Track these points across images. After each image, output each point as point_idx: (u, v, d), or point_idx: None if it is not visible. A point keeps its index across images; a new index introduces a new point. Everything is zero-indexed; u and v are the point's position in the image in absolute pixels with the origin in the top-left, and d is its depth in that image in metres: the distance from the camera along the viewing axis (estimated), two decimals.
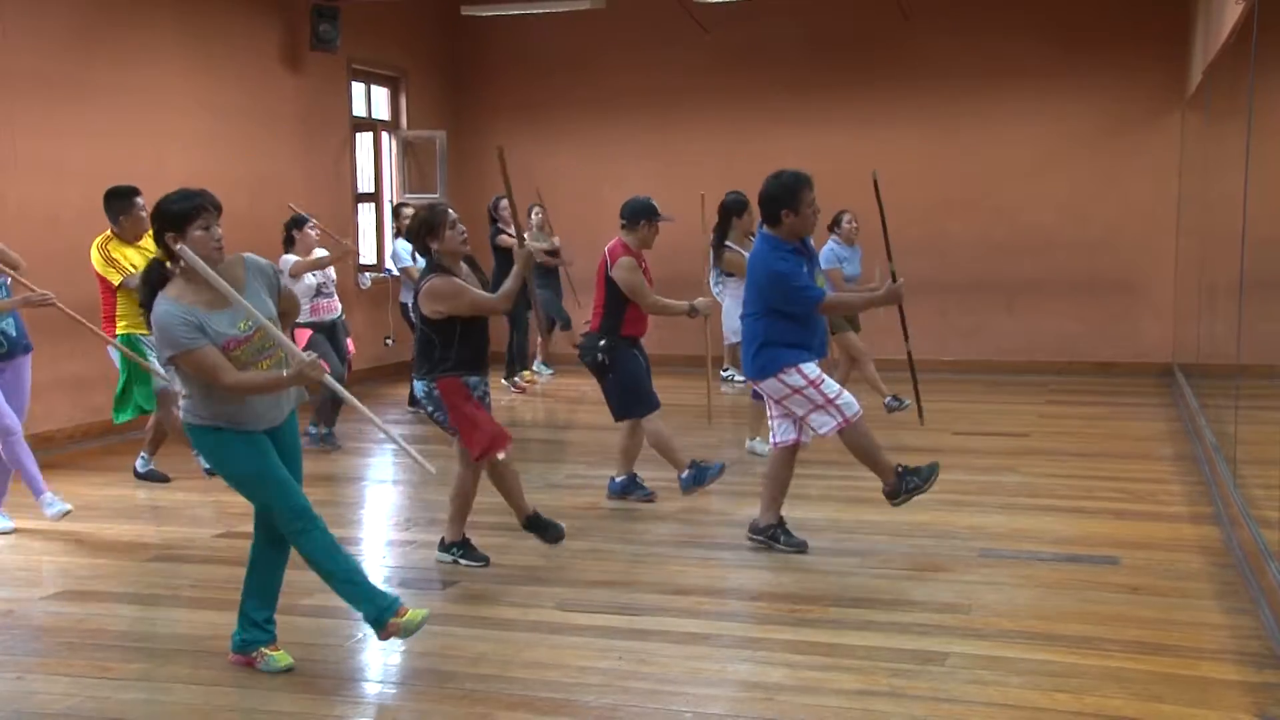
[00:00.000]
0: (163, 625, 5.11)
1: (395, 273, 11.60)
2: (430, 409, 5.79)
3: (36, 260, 7.69)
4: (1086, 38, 12.57)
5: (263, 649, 4.54)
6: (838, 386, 5.97)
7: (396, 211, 11.09)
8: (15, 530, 6.62)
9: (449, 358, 5.66)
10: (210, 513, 7.12)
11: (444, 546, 5.99)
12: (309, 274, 8.70)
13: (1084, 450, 8.61)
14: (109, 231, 7.58)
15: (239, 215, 7.90)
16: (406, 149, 13.84)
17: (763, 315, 5.95)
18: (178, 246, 4.18)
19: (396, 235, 10.76)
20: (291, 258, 8.69)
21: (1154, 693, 4.27)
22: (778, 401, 6.02)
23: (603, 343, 6.95)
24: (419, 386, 5.76)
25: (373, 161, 13.49)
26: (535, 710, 4.17)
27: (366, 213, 13.46)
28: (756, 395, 8.31)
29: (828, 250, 9.50)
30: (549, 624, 5.07)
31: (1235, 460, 6.78)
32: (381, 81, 13.62)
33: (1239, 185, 6.72)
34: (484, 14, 13.37)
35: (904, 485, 6.01)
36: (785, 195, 5.91)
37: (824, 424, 5.92)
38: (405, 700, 4.36)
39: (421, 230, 5.64)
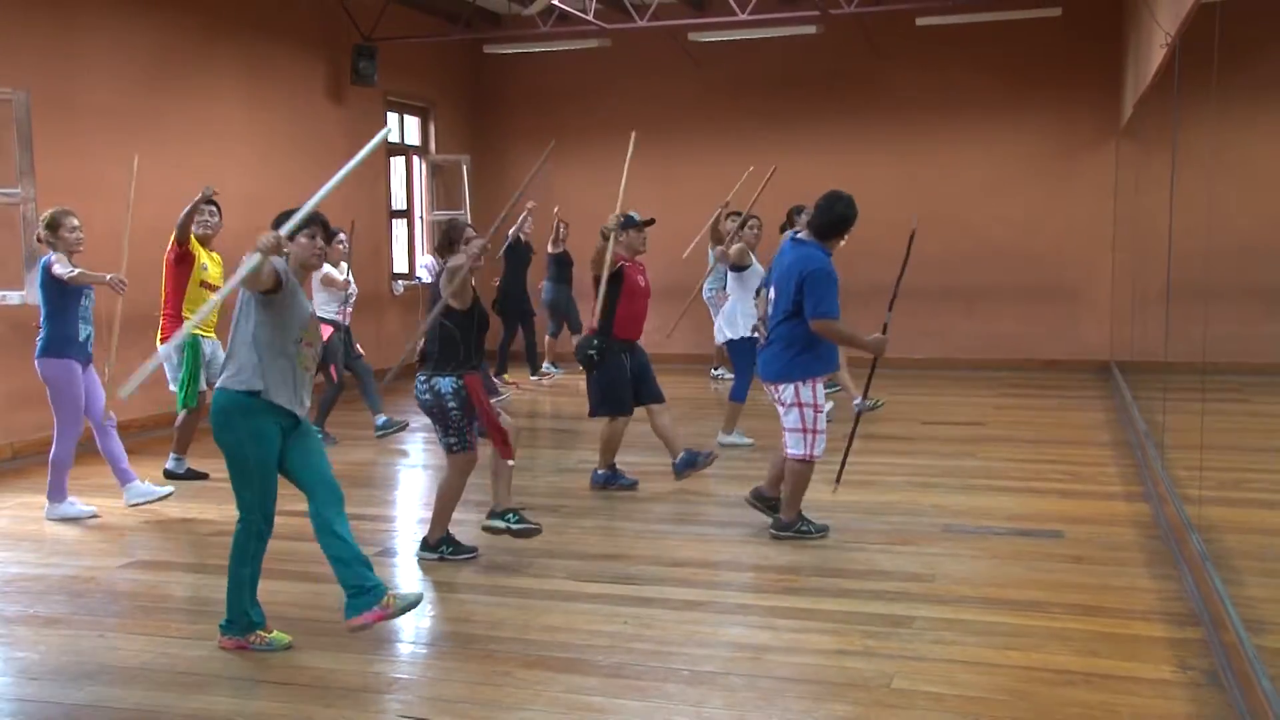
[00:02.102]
0: (219, 592, 5.04)
1: (429, 280, 11.56)
2: (452, 405, 5.40)
3: (116, 270, 7.69)
4: (1033, 75, 12.63)
5: (259, 631, 4.45)
6: (825, 422, 5.82)
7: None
8: (96, 514, 6.60)
9: (471, 352, 5.46)
10: None
11: (427, 546, 5.63)
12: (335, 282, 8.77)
13: (1034, 437, 8.64)
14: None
15: None
16: (435, 171, 13.84)
17: (805, 320, 5.62)
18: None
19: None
20: (325, 268, 8.71)
21: (1092, 649, 4.29)
22: (785, 405, 5.76)
23: (595, 342, 6.90)
24: (445, 382, 5.40)
25: (405, 183, 13.49)
26: (550, 668, 4.19)
27: (399, 227, 13.47)
28: (738, 396, 8.30)
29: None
30: (562, 592, 5.08)
31: (1163, 445, 6.80)
32: (413, 111, 13.63)
33: (1165, 204, 6.74)
34: (504, 51, 13.42)
35: (797, 527, 5.86)
36: (851, 220, 5.85)
37: (796, 447, 5.73)
38: (434, 659, 4.37)
39: (443, 242, 5.58)
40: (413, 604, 4.45)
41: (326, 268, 8.69)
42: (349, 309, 8.96)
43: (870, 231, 12.62)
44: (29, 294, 7.38)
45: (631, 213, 7.15)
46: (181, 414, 7.58)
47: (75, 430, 6.51)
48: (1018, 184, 12.72)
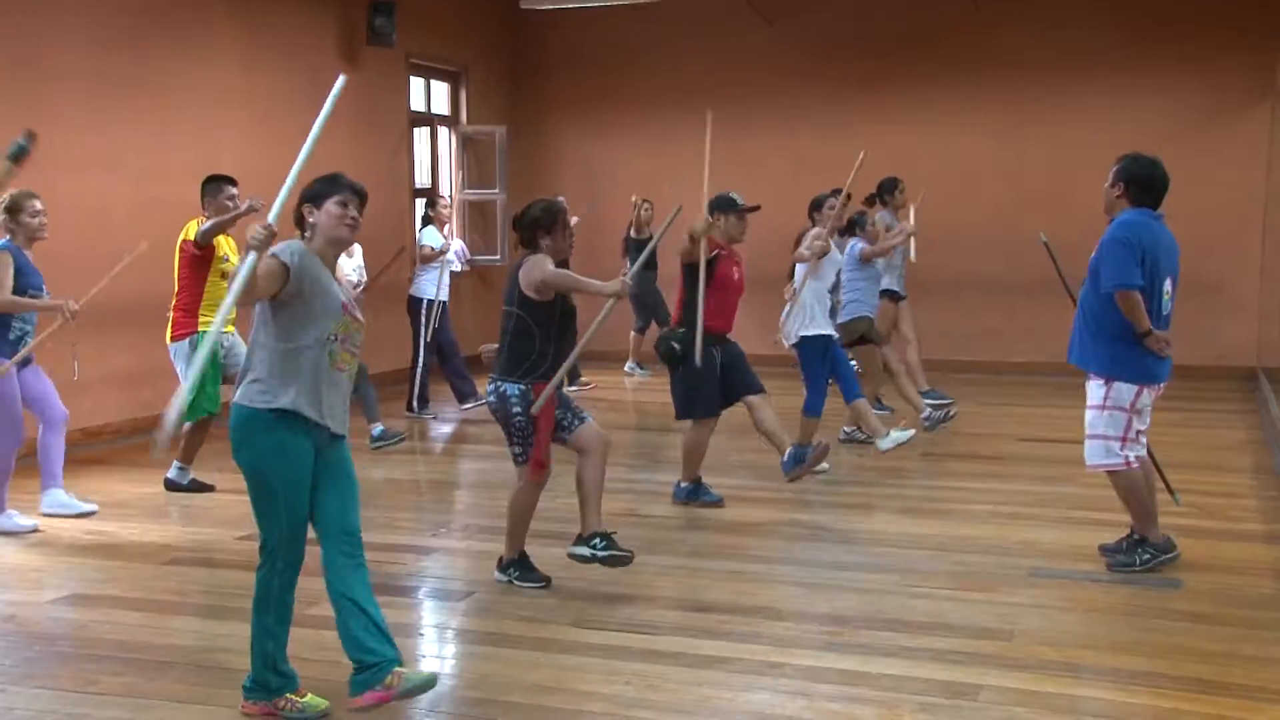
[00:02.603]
0: (162, 635, 4.90)
1: (458, 269, 11.48)
2: (517, 411, 5.28)
3: (88, 256, 7.58)
4: (1167, 27, 12.05)
5: (290, 695, 4.12)
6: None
7: (431, 202, 10.86)
8: (37, 529, 6.52)
9: (549, 354, 5.29)
10: (241, 514, 6.91)
11: (500, 566, 5.61)
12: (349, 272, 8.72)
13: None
14: (203, 216, 7.44)
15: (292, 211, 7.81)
16: (466, 144, 13.66)
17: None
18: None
19: (426, 224, 10.61)
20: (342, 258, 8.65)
21: None
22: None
23: (683, 332, 6.66)
24: (512, 387, 5.28)
25: (430, 156, 13.31)
26: None
27: (423, 208, 13.25)
28: (814, 410, 7.93)
29: (854, 245, 8.94)
30: (559, 642, 4.78)
31: None
32: (441, 76, 13.45)
33: None
34: (544, 8, 13.14)
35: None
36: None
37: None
38: None
39: (540, 221, 5.37)
40: (422, 686, 4.05)
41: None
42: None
43: (968, 216, 12.35)
44: None
45: (732, 193, 6.88)
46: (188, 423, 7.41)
47: (14, 436, 6.46)
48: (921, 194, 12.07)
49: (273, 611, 4.04)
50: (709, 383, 6.79)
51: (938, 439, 8.93)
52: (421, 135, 13.17)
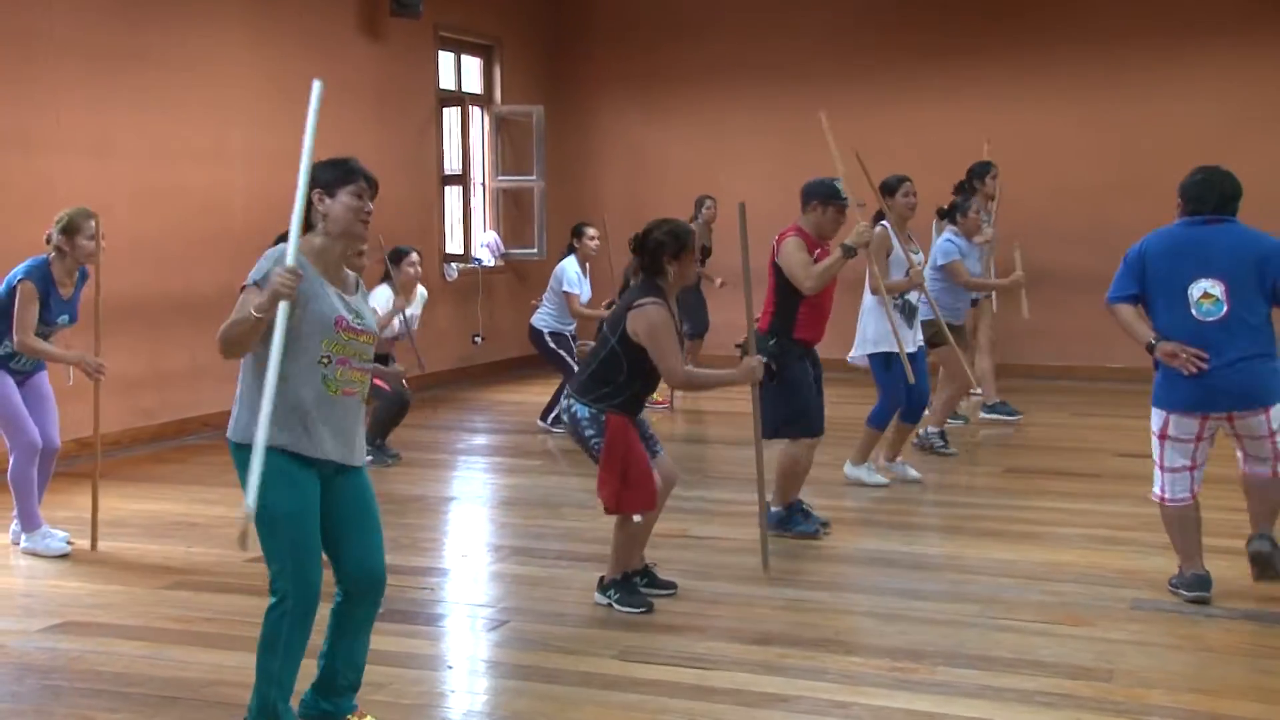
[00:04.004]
0: (164, 666, 4.90)
1: (491, 263, 11.44)
2: (590, 432, 5.45)
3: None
4: None
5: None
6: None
7: (577, 231, 10.45)
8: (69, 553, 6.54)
9: (631, 388, 5.45)
10: (248, 534, 6.94)
11: (601, 586, 5.67)
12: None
13: None
14: None
15: None
16: (500, 126, 13.70)
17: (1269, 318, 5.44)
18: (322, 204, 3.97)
19: (570, 253, 10.29)
20: (386, 291, 8.60)
21: None
22: (1275, 434, 5.47)
23: (773, 344, 6.48)
24: (582, 409, 5.45)
25: (461, 139, 13.34)
26: None
27: (453, 197, 13.31)
28: (910, 417, 7.87)
29: (945, 243, 8.89)
30: (603, 677, 4.75)
31: None
32: (473, 51, 13.51)
33: None
34: None
35: None
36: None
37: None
38: None
39: (669, 245, 5.42)
40: None
41: (388, 292, 8.58)
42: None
43: (1052, 204, 12.19)
44: None
45: (835, 180, 6.63)
46: None
47: (28, 445, 6.45)
48: (1261, 138, 11.87)
49: (280, 655, 3.95)
50: (808, 398, 6.59)
51: (1024, 452, 8.85)
52: (451, 116, 13.22)
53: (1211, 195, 5.55)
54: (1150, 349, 5.47)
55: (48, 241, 6.39)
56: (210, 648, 5.11)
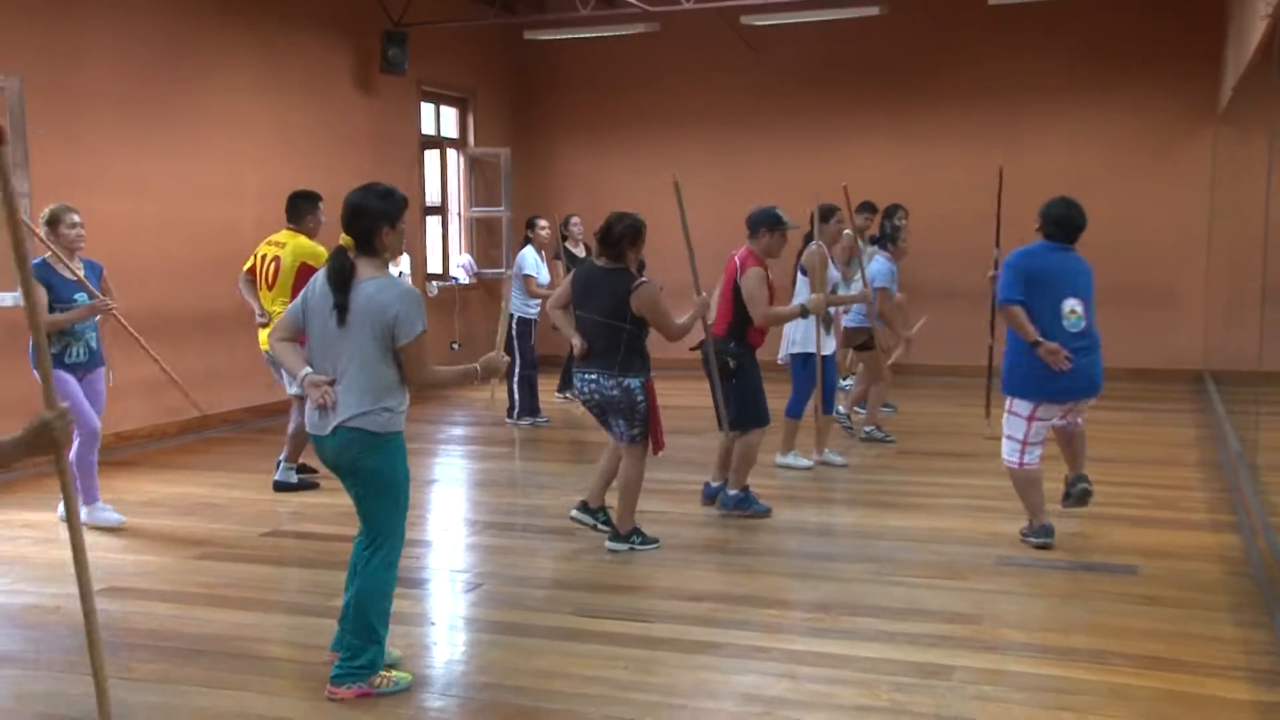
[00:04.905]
0: (192, 624, 4.89)
1: (466, 282, 11.34)
2: (642, 399, 5.71)
3: (115, 269, 7.55)
4: (1121, 58, 12.08)
5: (383, 671, 4.17)
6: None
7: (530, 224, 10.31)
8: (123, 525, 6.51)
9: (648, 354, 5.78)
10: (263, 511, 6.94)
11: (618, 538, 5.92)
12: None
13: (1112, 455, 8.08)
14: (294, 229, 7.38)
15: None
16: (474, 165, 13.66)
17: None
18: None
19: (525, 244, 10.15)
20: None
21: (1159, 712, 3.89)
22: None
23: (732, 346, 6.47)
24: (633, 381, 5.67)
25: (440, 177, 13.30)
26: None
27: (433, 225, 13.27)
28: (828, 409, 7.91)
29: (882, 265, 8.95)
30: (564, 630, 4.78)
31: (1257, 467, 6.31)
32: (450, 102, 13.44)
33: (1262, 196, 6.26)
34: (546, 37, 13.17)
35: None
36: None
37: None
38: (404, 708, 4.06)
39: (629, 236, 5.71)
40: (401, 689, 4.13)
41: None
42: None
43: (937, 230, 12.34)
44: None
45: (776, 209, 6.68)
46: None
47: (91, 433, 6.40)
48: (1103, 178, 12.08)
49: (389, 597, 4.17)
50: (761, 394, 6.56)
51: (914, 437, 8.97)
52: (432, 157, 13.15)
53: (1070, 226, 5.79)
54: (1035, 345, 5.62)
55: (40, 239, 6.34)
56: (231, 609, 5.10)
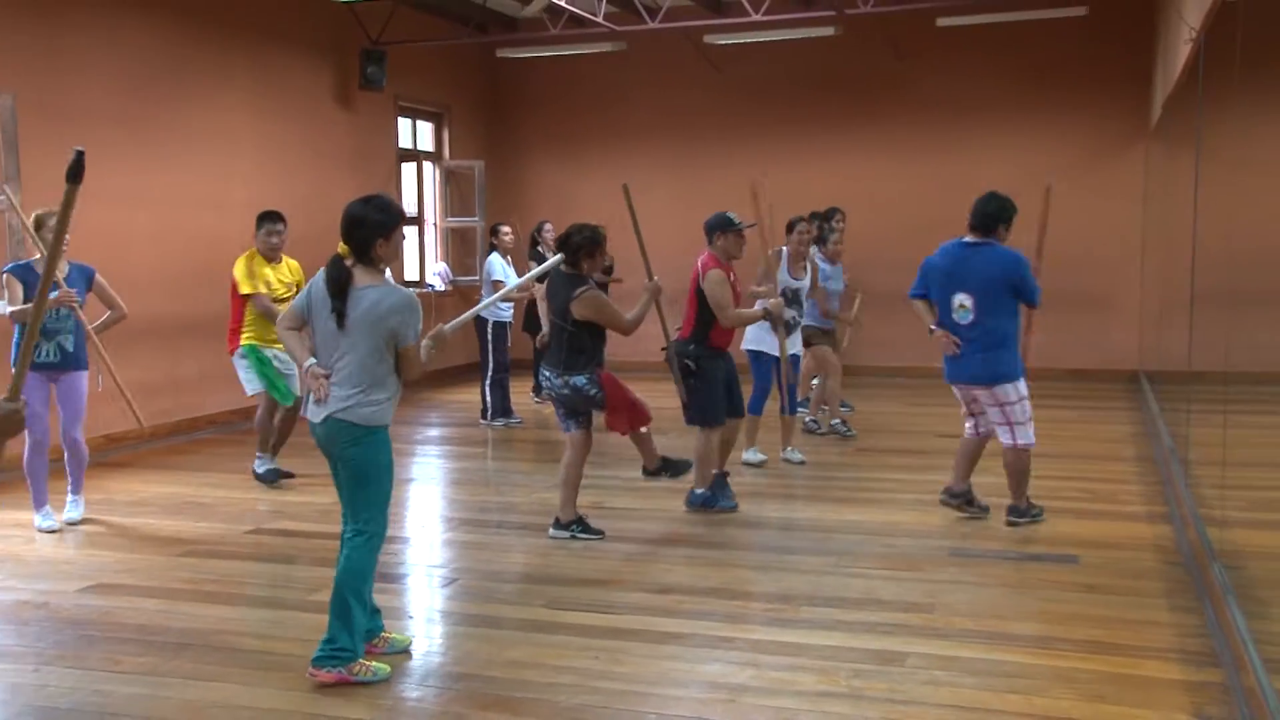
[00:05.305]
0: (178, 619, 4.81)
1: (442, 289, 11.24)
2: (594, 391, 5.78)
3: (110, 277, 7.42)
4: (1059, 77, 12.18)
5: (363, 660, 4.12)
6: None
7: (495, 230, 10.16)
8: (59, 529, 6.35)
9: (597, 350, 5.81)
10: (247, 510, 6.84)
11: (560, 525, 6.00)
12: None
13: (1053, 452, 8.10)
14: (254, 249, 7.30)
15: (296, 237, 7.83)
16: (449, 177, 13.57)
17: (1011, 316, 5.94)
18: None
19: (491, 250, 10.01)
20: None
21: (1099, 693, 3.89)
22: (1002, 405, 5.97)
23: (692, 348, 6.41)
24: (578, 379, 5.75)
25: (416, 188, 13.21)
26: (507, 710, 3.84)
27: (411, 235, 13.16)
28: (790, 409, 7.87)
29: (821, 267, 8.97)
30: (535, 622, 4.73)
31: (1188, 462, 6.35)
32: (426, 117, 13.35)
33: (1188, 206, 6.32)
34: (518, 55, 13.11)
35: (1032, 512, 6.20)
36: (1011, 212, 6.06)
37: (1026, 436, 5.99)
38: (383, 698, 4.01)
39: (587, 246, 5.77)
40: (380, 679, 4.07)
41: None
42: None
43: (885, 238, 12.38)
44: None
45: (729, 213, 6.60)
46: (281, 411, 7.35)
47: (32, 438, 6.27)
48: (1043, 189, 12.17)
49: (369, 579, 4.19)
50: (717, 395, 6.48)
51: (870, 435, 8.97)
52: (409, 169, 13.06)
53: (980, 214, 6.07)
54: (931, 333, 6.11)
55: (31, 244, 6.32)
56: (215, 604, 5.02)
